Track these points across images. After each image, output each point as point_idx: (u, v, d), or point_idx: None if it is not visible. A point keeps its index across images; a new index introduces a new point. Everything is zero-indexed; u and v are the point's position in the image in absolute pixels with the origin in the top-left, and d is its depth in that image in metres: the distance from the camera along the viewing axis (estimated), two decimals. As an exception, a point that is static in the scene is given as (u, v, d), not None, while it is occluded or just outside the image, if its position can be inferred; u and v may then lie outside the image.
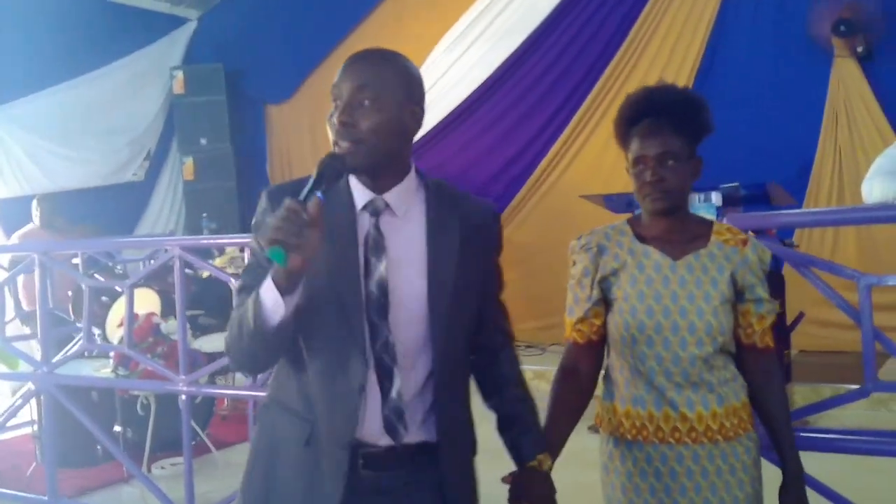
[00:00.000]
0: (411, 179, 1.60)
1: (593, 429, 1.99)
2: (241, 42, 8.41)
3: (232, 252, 7.05)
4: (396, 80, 1.53)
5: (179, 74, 8.25)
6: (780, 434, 1.83)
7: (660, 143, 1.77)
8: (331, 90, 1.54)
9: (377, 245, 1.54)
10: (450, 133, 7.42)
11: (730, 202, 4.27)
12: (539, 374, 6.09)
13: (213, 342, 4.91)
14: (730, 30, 6.41)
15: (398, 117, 1.52)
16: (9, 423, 4.36)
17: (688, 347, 1.75)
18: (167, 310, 4.82)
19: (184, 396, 3.44)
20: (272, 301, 1.41)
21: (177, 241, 3.53)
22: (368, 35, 7.70)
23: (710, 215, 4.28)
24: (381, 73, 1.52)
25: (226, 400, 5.30)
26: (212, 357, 4.56)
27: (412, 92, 1.56)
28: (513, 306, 6.39)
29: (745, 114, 5.87)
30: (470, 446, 1.80)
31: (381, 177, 1.56)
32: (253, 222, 1.62)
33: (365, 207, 1.56)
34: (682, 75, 6.38)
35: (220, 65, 8.28)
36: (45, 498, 3.79)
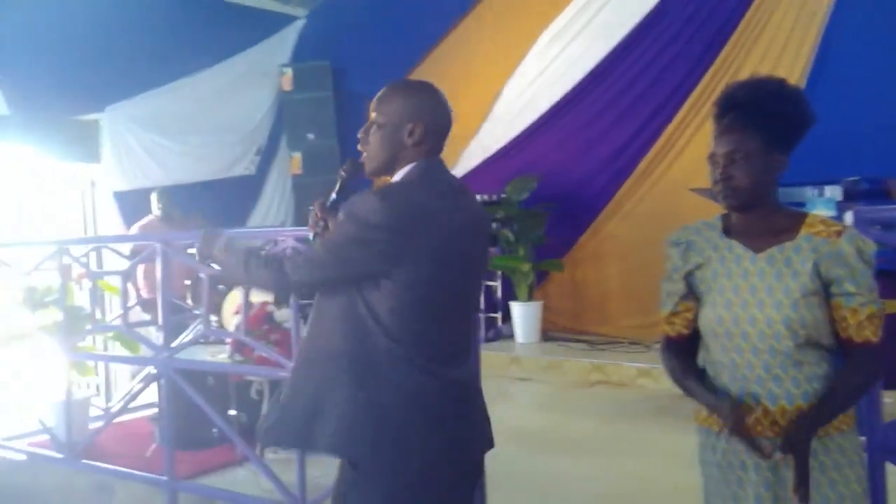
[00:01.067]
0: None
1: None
2: (346, 39, 8.57)
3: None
4: None
5: (288, 72, 8.50)
6: (815, 407, 1.74)
7: (729, 140, 1.80)
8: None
9: None
10: (551, 126, 7.37)
11: (850, 197, 4.11)
12: (644, 372, 6.02)
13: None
14: (846, 22, 6.11)
15: None
16: (130, 406, 4.62)
17: (766, 340, 1.76)
18: (279, 299, 4.98)
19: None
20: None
21: (290, 232, 3.64)
22: (469, 31, 7.75)
23: (828, 210, 4.13)
24: None
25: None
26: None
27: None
28: (615, 302, 6.34)
29: (864, 108, 5.61)
30: None
31: None
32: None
33: None
34: (795, 68, 6.14)
35: (327, 62, 8.47)
36: (164, 478, 3.98)
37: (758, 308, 1.77)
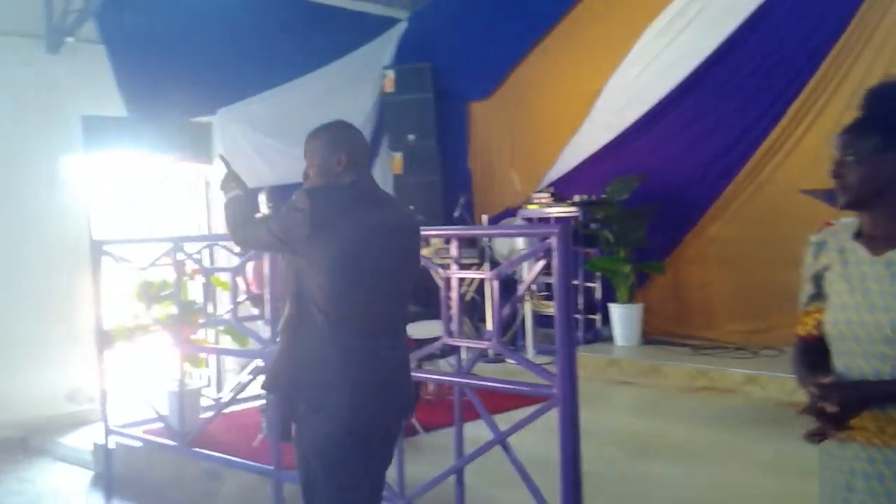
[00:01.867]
0: None
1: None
2: (446, 41, 8.66)
3: (437, 243, 7.30)
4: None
5: (390, 73, 8.65)
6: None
7: (843, 141, 1.82)
8: None
9: None
10: (656, 123, 7.22)
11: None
12: (751, 379, 5.84)
13: (421, 329, 5.10)
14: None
15: None
16: (239, 397, 4.81)
17: (876, 345, 1.71)
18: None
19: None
20: None
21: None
22: (574, 26, 7.68)
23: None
24: None
25: (430, 385, 5.51)
26: (419, 343, 4.75)
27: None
28: (721, 306, 6.16)
29: None
30: None
31: None
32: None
33: None
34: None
35: (428, 64, 8.58)
36: (271, 467, 4.13)
37: (868, 312, 1.73)
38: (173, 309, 5.04)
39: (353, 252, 2.51)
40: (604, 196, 7.10)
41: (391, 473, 3.64)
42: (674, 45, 7.00)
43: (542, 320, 7.38)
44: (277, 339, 3.10)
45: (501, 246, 7.14)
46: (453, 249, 3.52)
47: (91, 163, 7.02)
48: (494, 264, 7.22)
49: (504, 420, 3.37)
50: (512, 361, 6.70)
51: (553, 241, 2.84)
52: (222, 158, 3.06)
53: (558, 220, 7.28)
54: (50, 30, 6.64)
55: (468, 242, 7.18)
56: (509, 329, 7.21)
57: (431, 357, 4.99)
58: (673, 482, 4.03)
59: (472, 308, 7.78)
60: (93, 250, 5.21)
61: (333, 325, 2.50)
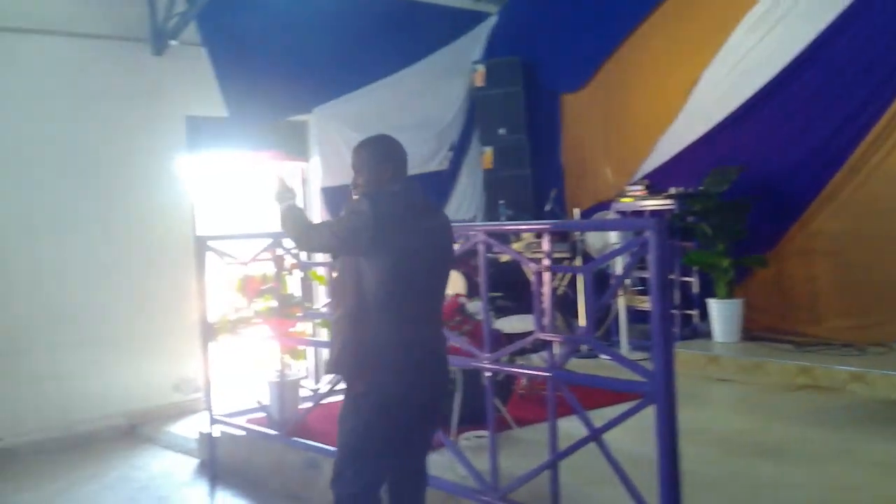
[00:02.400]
0: None
1: None
2: (537, 34, 8.61)
3: (528, 237, 7.29)
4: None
5: (480, 68, 8.67)
6: None
7: None
8: None
9: None
10: (756, 113, 6.97)
11: None
12: (857, 377, 5.60)
13: (512, 323, 5.11)
14: None
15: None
16: (336, 388, 4.92)
17: None
18: (470, 291, 5.12)
19: (487, 373, 3.65)
20: None
21: (482, 227, 3.72)
22: (669, 16, 7.50)
23: None
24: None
25: (523, 379, 5.50)
26: (510, 338, 4.76)
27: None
28: (826, 301, 5.93)
29: None
30: None
31: None
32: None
33: None
34: None
35: (518, 57, 8.55)
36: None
37: None
38: (273, 302, 5.21)
39: (407, 251, 2.89)
40: (701, 188, 6.91)
41: (484, 465, 3.69)
42: (774, 31, 6.74)
43: (636, 315, 7.27)
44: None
45: (594, 240, 7.05)
46: (545, 244, 3.50)
47: (194, 161, 7.30)
48: (586, 259, 7.15)
49: (597, 416, 3.34)
50: (606, 357, 6.65)
51: (649, 235, 2.79)
52: (277, 175, 3.34)
53: (653, 213, 7.14)
54: (154, 33, 6.92)
55: (560, 237, 7.12)
56: (602, 324, 7.12)
57: (523, 352, 4.98)
58: (781, 483, 3.90)
59: (564, 303, 7.72)
60: (197, 246, 5.43)
61: (389, 315, 2.88)
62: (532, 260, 3.59)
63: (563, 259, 7.43)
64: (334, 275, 3.34)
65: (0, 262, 6.26)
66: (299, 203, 3.43)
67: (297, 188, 7.84)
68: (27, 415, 6.30)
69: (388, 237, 2.85)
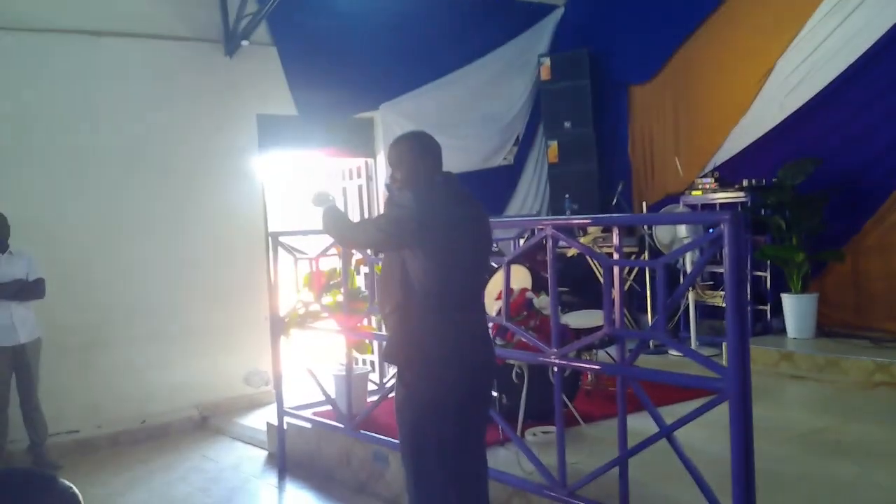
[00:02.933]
0: None
1: None
2: (604, 25, 8.49)
3: (595, 232, 7.21)
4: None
5: (546, 61, 8.60)
6: None
7: None
8: None
9: None
10: (830, 105, 6.75)
11: None
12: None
13: (579, 319, 5.06)
14: None
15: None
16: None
17: None
18: (535, 285, 5.08)
19: (555, 368, 3.62)
20: None
21: (550, 221, 3.68)
22: (741, 5, 7.31)
23: None
24: None
25: (590, 375, 5.44)
26: (577, 333, 4.71)
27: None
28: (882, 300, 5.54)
29: None
30: None
31: None
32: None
33: None
34: None
35: (585, 49, 8.46)
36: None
37: None
38: (341, 297, 5.26)
39: (451, 240, 2.94)
40: (775, 180, 6.73)
41: (552, 461, 3.67)
42: (847, 23, 6.52)
43: (706, 311, 7.13)
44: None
45: (663, 234, 6.94)
46: (615, 238, 3.45)
47: (265, 159, 7.43)
48: (654, 253, 7.04)
49: (666, 413, 3.28)
50: (678, 353, 6.53)
51: (724, 228, 2.73)
52: (316, 181, 3.49)
53: (724, 206, 6.98)
54: (226, 34, 7.06)
55: (627, 231, 7.02)
56: (671, 320, 7.01)
57: (590, 347, 4.93)
58: (861, 483, 3.78)
59: (630, 298, 7.62)
60: (270, 241, 5.52)
61: (436, 304, 2.93)
62: (601, 255, 3.54)
63: (631, 254, 7.34)
64: (377, 271, 3.47)
65: (79, 260, 6.47)
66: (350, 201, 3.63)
67: (363, 185, 8.06)
68: (103, 407, 6.52)
69: (433, 228, 2.90)
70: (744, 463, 2.79)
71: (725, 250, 2.75)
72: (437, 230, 2.91)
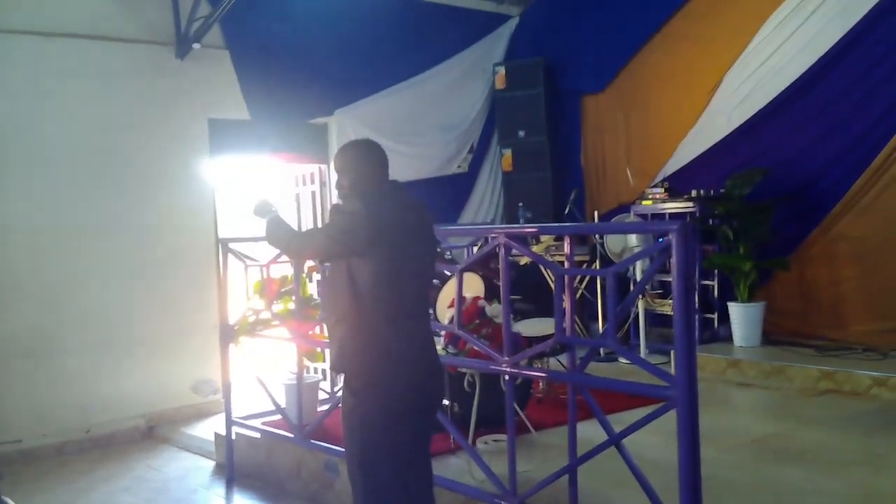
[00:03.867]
0: None
1: None
2: (559, 35, 8.57)
3: (548, 240, 7.25)
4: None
5: (501, 70, 8.65)
6: None
7: None
8: None
9: None
10: (777, 117, 6.90)
11: None
12: (880, 381, 5.54)
13: (531, 327, 5.08)
14: None
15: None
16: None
17: None
18: (487, 294, 5.08)
19: (507, 377, 3.62)
20: None
21: (503, 229, 3.69)
22: (692, 17, 7.45)
23: None
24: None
25: (541, 383, 5.46)
26: (529, 341, 4.72)
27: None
28: (849, 305, 5.86)
29: None
30: None
31: None
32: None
33: None
34: None
35: (540, 59, 8.53)
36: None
37: None
38: (292, 305, 5.20)
39: (401, 247, 2.94)
40: (723, 191, 6.85)
41: (502, 469, 3.67)
42: (797, 35, 6.67)
43: (655, 319, 7.22)
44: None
45: (614, 243, 7.01)
46: (567, 247, 3.47)
47: (217, 163, 7.32)
48: (606, 262, 7.10)
49: (616, 421, 3.29)
50: (626, 361, 6.60)
51: (672, 238, 2.76)
52: (258, 191, 3.43)
53: (673, 215, 7.08)
54: (178, 37, 6.95)
55: (579, 240, 7.07)
56: (621, 328, 7.07)
57: (541, 355, 4.95)
58: (808, 489, 3.84)
59: (582, 306, 7.68)
60: (220, 248, 5.44)
61: (387, 311, 2.92)
62: (552, 263, 3.55)
63: (583, 262, 7.40)
64: (318, 279, 3.43)
65: (21, 265, 6.30)
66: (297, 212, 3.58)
67: (315, 191, 8.00)
68: (47, 416, 6.35)
69: (383, 235, 2.89)
70: (691, 469, 2.81)
71: (673, 259, 2.78)
72: (388, 237, 2.90)
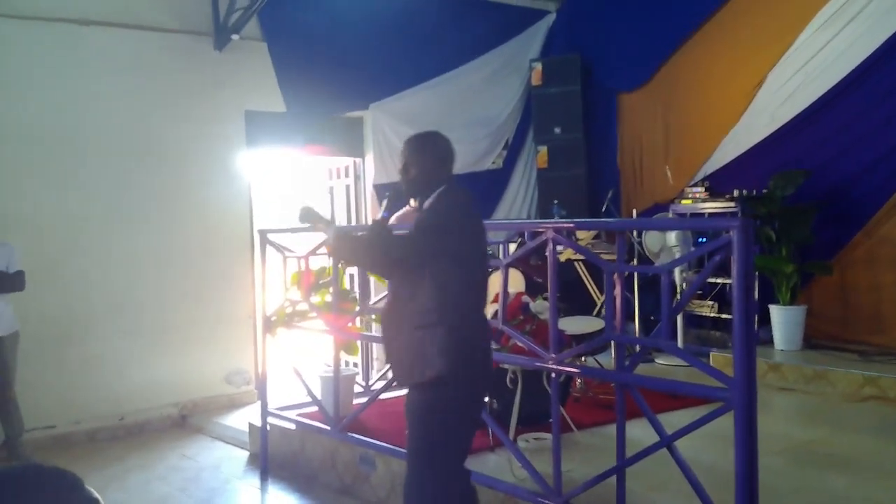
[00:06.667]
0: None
1: None
2: (596, 32, 8.47)
3: (587, 237, 7.18)
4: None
5: (538, 66, 8.57)
6: None
7: None
8: None
9: None
10: (823, 116, 6.76)
11: None
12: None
13: (572, 324, 5.01)
14: None
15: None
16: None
17: None
18: (528, 290, 5.03)
19: (553, 374, 3.56)
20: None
21: (551, 224, 3.63)
22: (733, 16, 7.32)
23: None
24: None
25: (578, 382, 5.40)
26: (572, 338, 4.66)
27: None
28: (889, 310, 5.69)
29: None
30: None
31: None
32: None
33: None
34: None
35: (577, 55, 8.43)
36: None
37: None
38: (329, 297, 5.18)
39: (476, 246, 3.03)
40: (765, 191, 6.72)
41: (543, 468, 3.61)
42: (840, 35, 6.53)
43: (691, 320, 7.12)
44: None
45: (652, 242, 6.91)
46: (618, 243, 3.40)
47: (253, 155, 7.32)
48: (642, 261, 7.00)
49: (662, 422, 3.23)
50: (664, 362, 6.52)
51: (733, 235, 2.68)
52: (303, 209, 3.37)
53: (713, 215, 6.97)
54: (216, 28, 6.95)
55: (611, 238, 6.97)
56: (654, 328, 6.98)
57: (581, 354, 4.87)
58: (856, 497, 3.75)
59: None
60: (259, 239, 5.43)
61: (466, 310, 2.98)
62: (603, 260, 3.49)
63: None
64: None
65: (60, 252, 6.34)
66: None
67: (350, 185, 7.97)
68: (80, 403, 6.38)
69: (467, 233, 2.98)
70: (748, 474, 2.75)
71: (734, 257, 2.71)
72: (471, 233, 3.01)
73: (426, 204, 3.04)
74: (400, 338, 3.02)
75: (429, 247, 2.91)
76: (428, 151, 3.07)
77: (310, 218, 3.33)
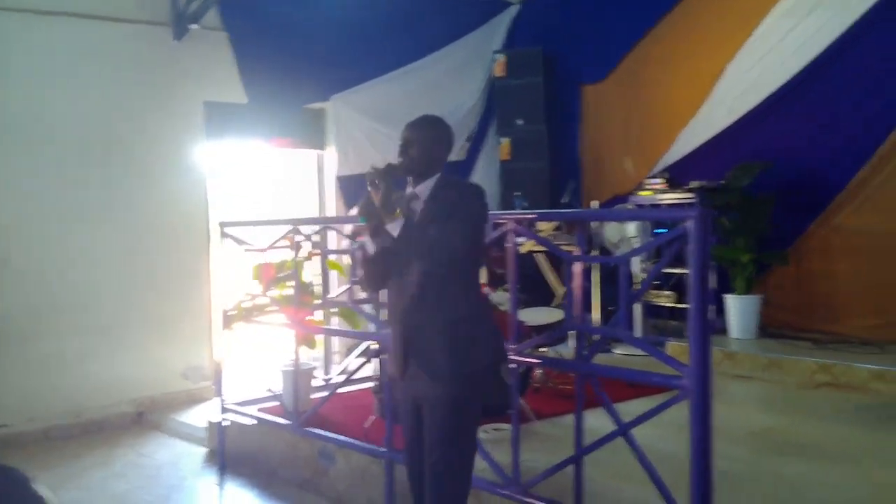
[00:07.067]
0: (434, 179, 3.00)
1: None
2: (560, 23, 8.48)
3: (547, 229, 7.19)
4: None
5: (501, 58, 8.56)
6: None
7: None
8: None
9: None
10: (779, 110, 6.86)
11: None
12: (878, 375, 5.52)
13: (532, 315, 5.03)
14: None
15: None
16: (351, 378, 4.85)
17: None
18: (489, 281, 5.04)
19: (513, 365, 3.57)
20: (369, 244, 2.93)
21: (511, 216, 3.63)
22: (694, 7, 7.38)
23: None
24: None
25: (538, 372, 5.42)
26: (532, 329, 4.68)
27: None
28: (847, 299, 5.79)
29: None
30: None
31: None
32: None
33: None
34: None
35: (540, 47, 8.44)
36: (383, 449, 4.15)
37: None
38: (290, 290, 5.13)
39: (481, 231, 3.05)
40: (723, 182, 6.80)
41: (503, 458, 3.62)
42: (800, 26, 6.60)
43: (651, 310, 7.19)
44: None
45: (612, 233, 6.96)
46: (578, 235, 3.41)
47: (211, 147, 7.22)
48: (603, 252, 7.05)
49: (620, 411, 3.25)
50: (622, 352, 6.57)
51: (690, 226, 2.71)
52: (363, 204, 2.94)
53: (672, 206, 7.03)
54: (175, 17, 6.83)
55: (571, 229, 7.00)
56: (612, 317, 7.03)
57: (541, 345, 4.90)
58: (816, 482, 3.80)
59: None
60: (218, 232, 5.36)
61: (476, 290, 3.08)
62: (563, 251, 3.50)
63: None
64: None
65: (12, 247, 6.20)
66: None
67: (313, 177, 7.89)
68: (35, 400, 6.26)
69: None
70: (703, 462, 2.78)
71: (690, 248, 2.73)
72: (483, 216, 3.07)
73: (421, 189, 2.98)
74: (434, 330, 2.90)
75: (481, 236, 3.03)
76: (434, 133, 3.08)
77: (371, 216, 2.91)
